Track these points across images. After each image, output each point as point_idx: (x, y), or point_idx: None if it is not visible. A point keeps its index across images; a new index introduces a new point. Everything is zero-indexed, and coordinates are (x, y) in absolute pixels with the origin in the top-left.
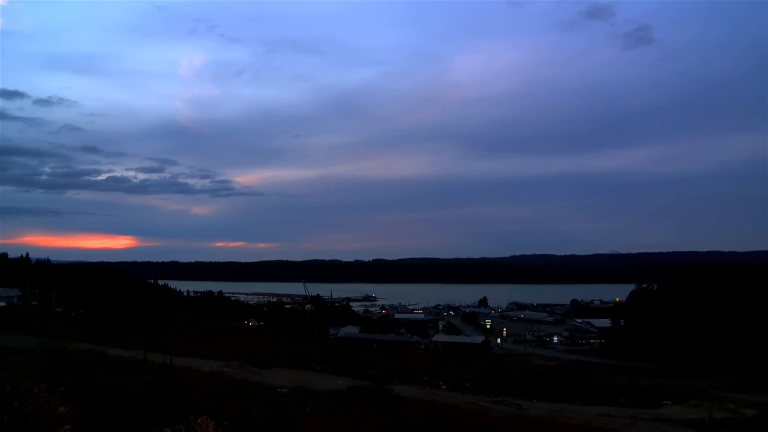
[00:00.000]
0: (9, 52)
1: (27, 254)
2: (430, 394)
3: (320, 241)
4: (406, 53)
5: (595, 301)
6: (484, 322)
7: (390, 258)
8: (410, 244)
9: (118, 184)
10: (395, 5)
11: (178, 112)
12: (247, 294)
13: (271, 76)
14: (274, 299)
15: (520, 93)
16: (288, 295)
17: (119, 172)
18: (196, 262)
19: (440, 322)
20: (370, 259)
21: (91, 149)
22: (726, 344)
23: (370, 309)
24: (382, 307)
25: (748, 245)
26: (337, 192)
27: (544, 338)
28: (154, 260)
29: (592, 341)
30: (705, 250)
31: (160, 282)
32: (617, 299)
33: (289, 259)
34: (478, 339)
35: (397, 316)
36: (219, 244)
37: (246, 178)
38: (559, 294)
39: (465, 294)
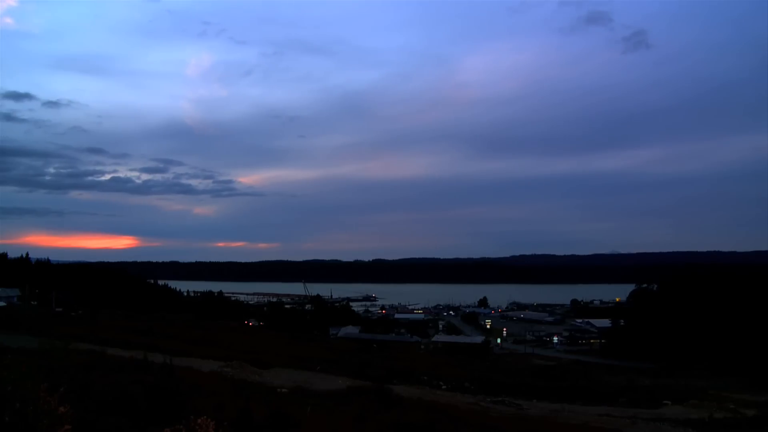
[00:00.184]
0: (19, 53)
1: (27, 254)
2: (430, 394)
3: (321, 241)
4: (414, 54)
5: (595, 301)
6: (484, 322)
7: (390, 258)
8: (410, 244)
9: (121, 185)
10: (405, 6)
11: (184, 113)
12: (247, 294)
13: (280, 77)
14: (274, 299)
15: (523, 94)
16: (288, 295)
17: (123, 172)
18: (196, 262)
19: (440, 322)
20: (370, 259)
21: (97, 151)
22: (726, 344)
23: (370, 309)
24: (382, 307)
25: (748, 245)
26: (339, 192)
27: (544, 338)
28: (155, 260)
29: (592, 341)
30: (705, 250)
31: (160, 282)
32: (617, 299)
33: (290, 259)
34: (478, 339)
35: (397, 316)
36: (220, 244)
37: (249, 178)
38: (559, 294)
39: (465, 294)
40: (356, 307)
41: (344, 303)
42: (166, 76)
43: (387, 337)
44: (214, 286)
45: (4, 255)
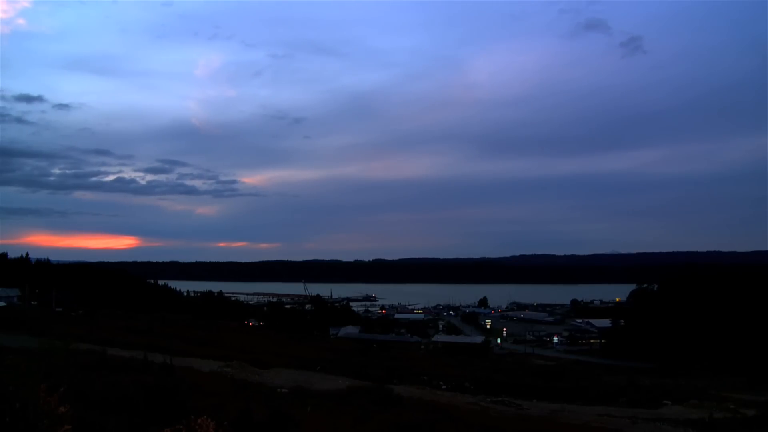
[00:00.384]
0: (31, 54)
1: (27, 254)
2: (430, 394)
3: (321, 242)
4: (423, 56)
5: (595, 301)
6: (484, 322)
7: (390, 258)
8: (410, 244)
9: (125, 185)
10: (416, 8)
11: (191, 113)
12: (247, 294)
13: (290, 78)
14: (274, 299)
15: (526, 96)
16: (288, 295)
17: (127, 173)
18: (196, 262)
19: (440, 322)
20: (370, 259)
21: (103, 152)
22: (726, 344)
23: (370, 309)
24: (382, 307)
25: (748, 245)
26: (342, 193)
27: (544, 338)
28: (155, 260)
29: (592, 341)
30: (705, 250)
31: (160, 282)
32: (617, 299)
33: (290, 259)
34: (478, 339)
35: (397, 316)
36: (221, 245)
37: (253, 178)
38: (559, 294)
39: (465, 294)
40: (356, 307)
41: (344, 303)
42: (175, 76)
43: (387, 337)
44: (214, 286)
45: (4, 255)
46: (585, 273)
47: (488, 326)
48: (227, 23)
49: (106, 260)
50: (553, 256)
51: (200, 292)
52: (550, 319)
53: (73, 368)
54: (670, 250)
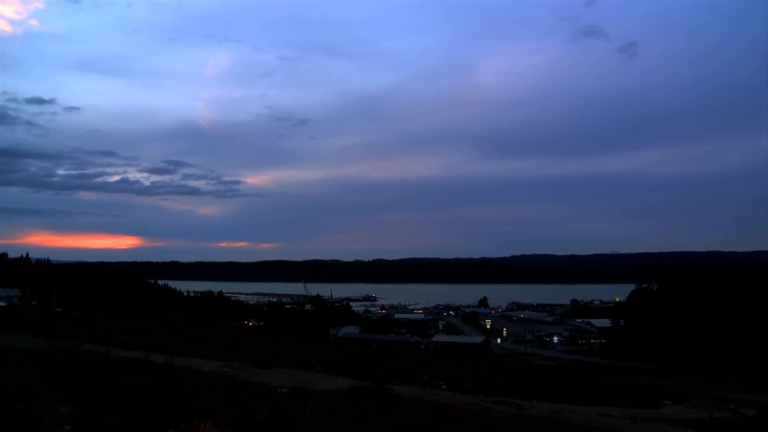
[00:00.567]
0: (43, 54)
1: (27, 254)
2: (430, 394)
3: (322, 242)
4: (431, 57)
5: (595, 301)
6: (484, 322)
7: (390, 258)
8: (410, 244)
9: (128, 186)
10: (428, 9)
11: (198, 114)
12: (247, 294)
13: (300, 79)
14: (274, 299)
15: (529, 98)
16: (288, 295)
17: (132, 173)
18: (196, 262)
19: (440, 322)
20: (370, 259)
21: (108, 153)
22: (726, 344)
23: (370, 309)
24: (382, 307)
25: (748, 245)
26: (344, 193)
27: (544, 338)
28: (155, 260)
29: (592, 341)
30: (705, 250)
31: (161, 282)
32: (617, 299)
33: (290, 259)
34: (478, 339)
35: (397, 316)
36: (222, 245)
37: (256, 179)
38: (559, 294)
39: (465, 294)
40: (356, 307)
41: (344, 303)
42: (184, 77)
43: (387, 337)
44: (214, 286)
45: (4, 255)
46: (585, 273)
47: (488, 326)
48: (238, 24)
49: (106, 260)
50: (553, 256)
51: (200, 292)
52: (550, 319)
53: (74, 369)
54: (670, 250)
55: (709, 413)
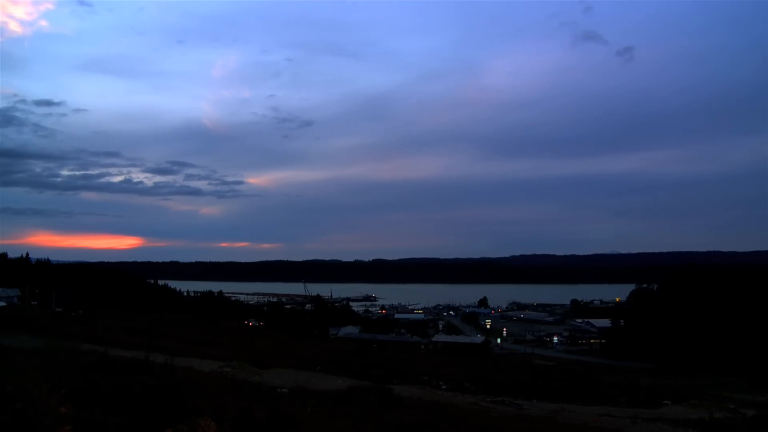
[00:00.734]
0: (51, 55)
1: (27, 254)
2: (430, 394)
3: (322, 242)
4: (437, 58)
5: (595, 301)
6: (484, 322)
7: (390, 258)
8: (410, 244)
9: (131, 186)
10: (436, 10)
11: (204, 114)
12: (248, 294)
13: (308, 80)
14: (274, 299)
15: (530, 99)
16: (288, 295)
17: (135, 174)
18: (196, 262)
19: (440, 322)
20: (370, 259)
21: (113, 153)
22: (726, 344)
23: (370, 309)
24: (382, 307)
25: (748, 245)
26: (345, 193)
27: (544, 338)
28: (155, 260)
29: (592, 341)
30: (705, 250)
31: (161, 282)
32: (617, 299)
33: (290, 259)
34: (478, 339)
35: (397, 316)
36: (223, 245)
37: (259, 179)
38: (559, 294)
39: (465, 294)
40: (356, 307)
41: (344, 303)
42: (192, 77)
43: (387, 337)
44: (215, 286)
45: (4, 255)
46: (585, 273)
47: (488, 326)
48: (247, 25)
49: (107, 260)
50: (553, 256)
51: (200, 292)
52: (550, 319)
53: (74, 368)
54: (670, 250)
55: (709, 413)
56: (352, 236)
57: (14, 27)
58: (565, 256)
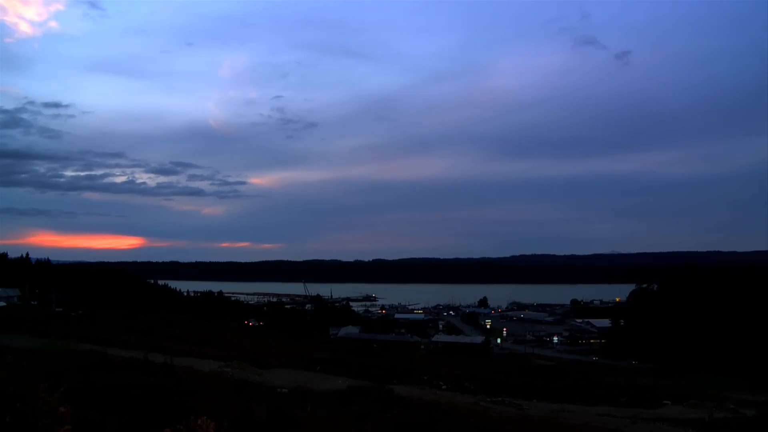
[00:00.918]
0: (60, 56)
1: (27, 254)
2: (430, 394)
3: (323, 242)
4: (445, 59)
5: (595, 301)
6: (484, 322)
7: (390, 258)
8: (410, 244)
9: (134, 187)
10: (448, 11)
11: (209, 115)
12: (247, 294)
13: (315, 81)
14: (274, 299)
15: (532, 101)
16: (288, 295)
17: (138, 174)
18: (196, 262)
19: (440, 322)
20: (370, 259)
21: (117, 154)
22: (726, 344)
23: (370, 309)
24: (382, 307)
25: (748, 245)
26: (347, 194)
27: (544, 338)
28: (155, 260)
29: (592, 341)
30: (705, 250)
31: (160, 282)
32: (617, 299)
33: (290, 259)
34: (478, 339)
35: (397, 316)
36: (224, 245)
37: (262, 179)
38: (559, 294)
39: (465, 294)
40: (356, 307)
41: (344, 303)
42: (200, 78)
43: (387, 337)
44: (215, 286)
45: (4, 255)
46: (585, 273)
47: (488, 326)
48: (255, 26)
49: (108, 260)
50: (553, 256)
51: (200, 292)
52: (550, 319)
53: (74, 368)
54: (670, 250)
55: (709, 413)
56: (352, 236)
57: (24, 28)
58: (565, 256)
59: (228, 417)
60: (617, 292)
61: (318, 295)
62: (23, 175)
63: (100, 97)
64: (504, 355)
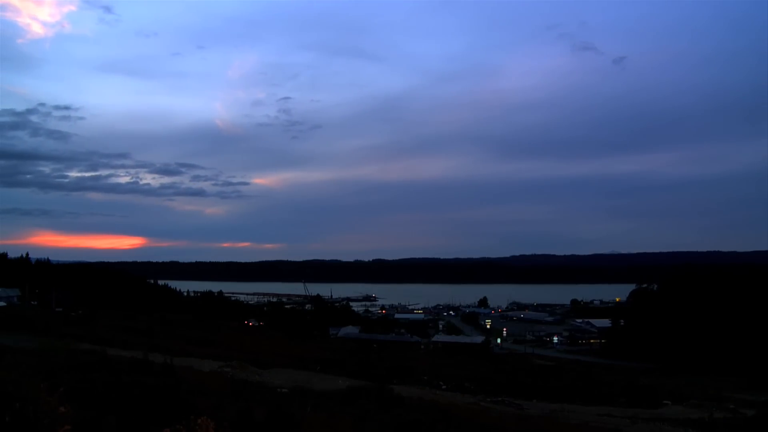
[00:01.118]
0: (70, 56)
1: (27, 254)
2: (430, 394)
3: (323, 242)
4: (452, 60)
5: (595, 301)
6: (484, 322)
7: (390, 258)
8: (410, 244)
9: (137, 187)
10: (456, 13)
11: (216, 115)
12: (248, 294)
13: (326, 82)
14: (274, 299)
15: (533, 102)
16: (288, 295)
17: (143, 175)
18: (196, 261)
19: (440, 322)
20: (370, 259)
21: (123, 155)
22: (726, 344)
23: (370, 309)
24: (382, 307)
25: (748, 245)
26: (349, 194)
27: (544, 338)
28: (155, 260)
29: (592, 341)
30: (705, 250)
31: (160, 282)
32: (617, 299)
33: (290, 259)
34: (478, 339)
35: (397, 316)
36: (225, 245)
37: (266, 179)
38: (559, 294)
39: (465, 294)
40: (356, 307)
41: (344, 303)
42: (208, 79)
43: (387, 337)
44: (215, 286)
45: (4, 255)
46: (585, 273)
47: (488, 326)
48: (266, 26)
49: (108, 260)
50: (553, 256)
51: (200, 292)
52: (550, 319)
53: (74, 368)
54: (670, 250)
55: (709, 413)
56: (352, 236)
57: (37, 29)
58: (565, 256)
59: (228, 417)
60: (617, 292)
61: (318, 295)
62: (28, 176)
63: (108, 98)
64: (504, 355)
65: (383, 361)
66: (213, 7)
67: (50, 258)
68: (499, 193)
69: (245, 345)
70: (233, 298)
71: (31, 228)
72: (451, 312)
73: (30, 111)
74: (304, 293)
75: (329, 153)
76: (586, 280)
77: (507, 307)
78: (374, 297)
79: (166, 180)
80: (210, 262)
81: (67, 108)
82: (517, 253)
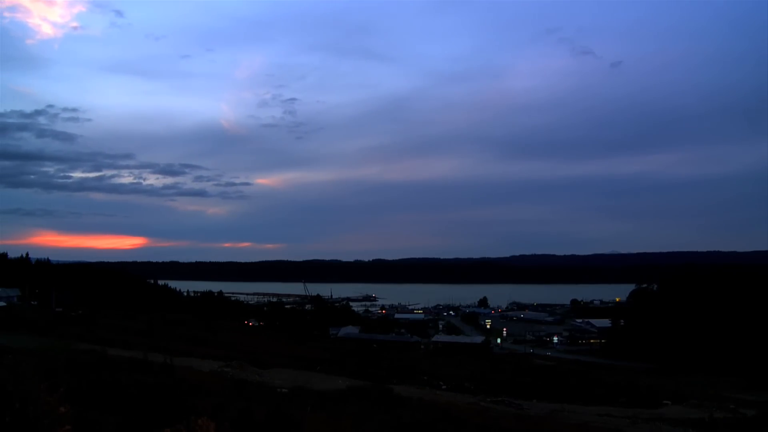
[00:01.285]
0: (78, 56)
1: (27, 254)
2: (430, 394)
3: (323, 242)
4: (457, 61)
5: (595, 301)
6: (484, 322)
7: (390, 258)
8: (410, 244)
9: (140, 188)
10: (469, 13)
11: (222, 115)
12: (247, 294)
13: (334, 83)
14: (274, 299)
15: (533, 103)
16: (288, 295)
17: (146, 175)
18: (196, 261)
19: (440, 322)
20: (370, 259)
21: (127, 156)
22: (725, 344)
23: (370, 309)
24: (382, 307)
25: (748, 245)
26: (349, 194)
27: (544, 338)
28: (155, 260)
29: (592, 341)
30: (705, 250)
31: (160, 282)
32: (617, 299)
33: (292, 260)
34: (478, 339)
35: (397, 316)
36: (226, 245)
37: (269, 180)
38: (559, 294)
39: (465, 294)
40: (356, 307)
41: (344, 303)
42: (216, 79)
43: (387, 337)
44: (215, 286)
45: (4, 255)
46: (585, 273)
47: (488, 326)
48: (274, 26)
49: (108, 260)
50: (553, 256)
51: (200, 292)
52: (550, 319)
53: (74, 368)
54: (670, 250)
55: (709, 413)
56: (352, 236)
57: (47, 29)
58: (565, 256)
59: (228, 417)
60: (617, 292)
61: (318, 295)
62: (32, 177)
63: (116, 99)
64: (504, 355)
65: (383, 361)
66: (222, 8)
67: (51, 258)
68: (499, 193)
69: (245, 345)
70: (233, 298)
71: (33, 228)
72: (451, 312)
73: (38, 112)
74: (304, 293)
75: (332, 153)
76: (586, 280)
77: (507, 307)
78: (374, 297)
79: (169, 180)
80: (210, 262)
81: (75, 110)
82: (517, 253)
